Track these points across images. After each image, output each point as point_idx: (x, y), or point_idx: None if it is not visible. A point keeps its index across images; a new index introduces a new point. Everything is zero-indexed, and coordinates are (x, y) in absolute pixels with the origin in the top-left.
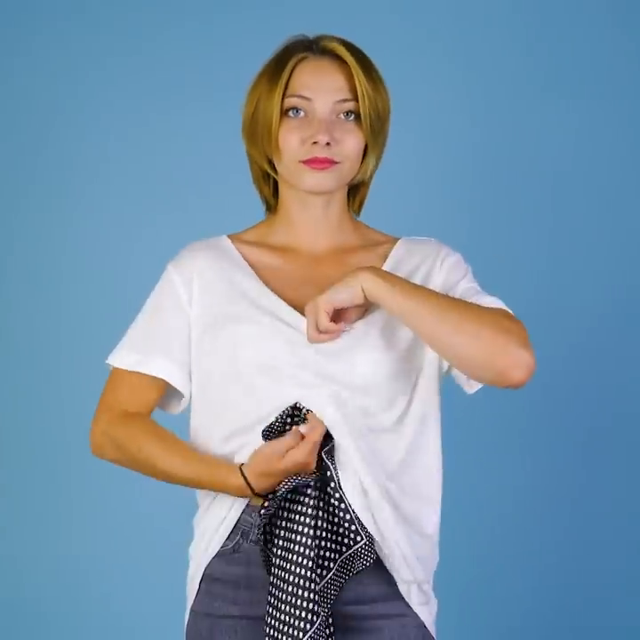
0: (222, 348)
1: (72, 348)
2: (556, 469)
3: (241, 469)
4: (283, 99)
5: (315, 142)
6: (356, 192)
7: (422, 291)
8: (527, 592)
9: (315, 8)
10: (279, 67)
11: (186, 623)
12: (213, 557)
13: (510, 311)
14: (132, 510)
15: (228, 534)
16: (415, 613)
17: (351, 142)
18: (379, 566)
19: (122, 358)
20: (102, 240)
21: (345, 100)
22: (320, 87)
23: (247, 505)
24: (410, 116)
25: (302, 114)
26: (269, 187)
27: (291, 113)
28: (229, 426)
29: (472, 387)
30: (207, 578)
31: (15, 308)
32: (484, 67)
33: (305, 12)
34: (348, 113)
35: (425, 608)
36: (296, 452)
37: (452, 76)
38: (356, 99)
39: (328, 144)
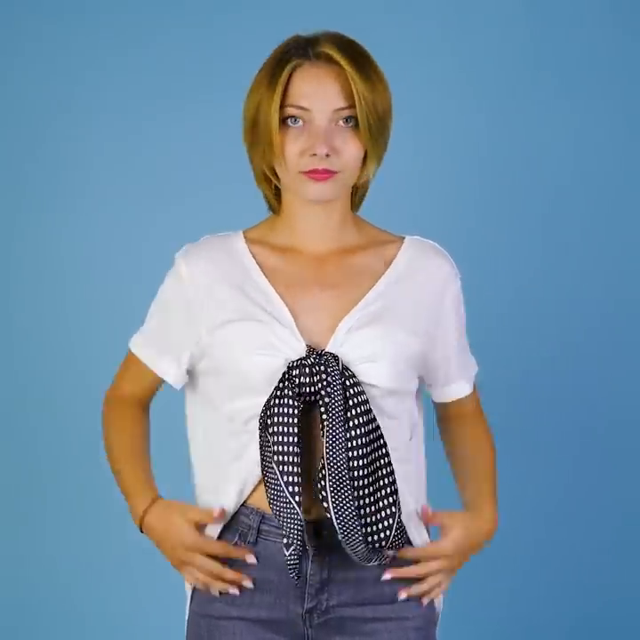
0: (221, 345)
1: (72, 349)
2: (555, 469)
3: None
4: (281, 108)
5: (314, 154)
6: (356, 190)
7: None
8: (526, 592)
9: (315, 8)
10: (276, 74)
11: (186, 623)
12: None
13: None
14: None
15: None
16: (416, 615)
17: (351, 151)
18: (378, 567)
19: (139, 348)
20: (102, 240)
21: (343, 108)
22: (318, 96)
23: (243, 504)
24: (409, 114)
25: (301, 122)
26: (271, 188)
27: (289, 121)
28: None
29: (439, 398)
30: None
31: (15, 308)
32: (486, 66)
33: (305, 13)
34: (347, 119)
35: (426, 609)
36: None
37: (453, 75)
38: (354, 105)
39: (327, 155)
